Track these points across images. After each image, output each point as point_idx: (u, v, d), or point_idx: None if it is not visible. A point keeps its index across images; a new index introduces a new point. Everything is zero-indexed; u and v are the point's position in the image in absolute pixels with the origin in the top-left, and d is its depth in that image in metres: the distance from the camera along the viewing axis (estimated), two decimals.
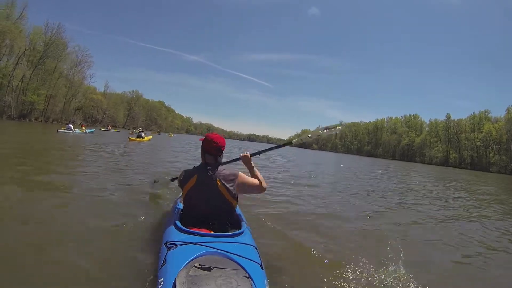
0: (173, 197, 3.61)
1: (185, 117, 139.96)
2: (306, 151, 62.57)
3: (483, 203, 7.35)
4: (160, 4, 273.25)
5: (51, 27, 39.84)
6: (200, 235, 1.83)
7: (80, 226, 2.65)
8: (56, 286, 1.75)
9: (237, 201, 2.23)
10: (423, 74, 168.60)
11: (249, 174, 2.38)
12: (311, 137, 2.97)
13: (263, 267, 1.68)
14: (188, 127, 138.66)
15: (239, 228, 2.12)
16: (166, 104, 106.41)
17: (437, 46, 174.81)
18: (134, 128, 42.26)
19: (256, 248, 1.86)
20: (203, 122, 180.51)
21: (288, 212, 4.06)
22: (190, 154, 13.51)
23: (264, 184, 2.30)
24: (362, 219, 4.31)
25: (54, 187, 3.98)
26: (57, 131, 18.74)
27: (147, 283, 1.78)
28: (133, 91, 78.74)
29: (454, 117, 72.02)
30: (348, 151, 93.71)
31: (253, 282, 1.45)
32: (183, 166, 6.68)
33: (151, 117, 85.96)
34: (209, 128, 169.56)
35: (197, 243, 1.70)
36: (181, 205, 2.45)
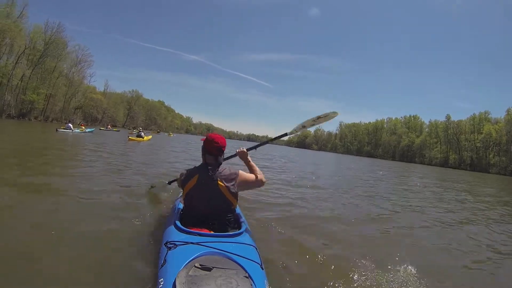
0: (173, 198, 3.60)
1: (184, 117, 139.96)
2: (306, 152, 62.59)
3: (487, 205, 7.26)
4: (160, 4, 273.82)
5: (51, 26, 39.82)
6: (200, 235, 1.83)
7: (80, 226, 2.64)
8: (56, 286, 1.75)
9: (237, 200, 2.23)
10: (423, 75, 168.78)
11: (247, 170, 2.41)
12: (304, 127, 3.06)
13: (263, 267, 1.68)
14: (187, 127, 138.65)
15: (239, 228, 2.12)
16: (166, 104, 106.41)
17: (437, 46, 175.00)
18: (134, 128, 42.30)
19: (256, 248, 1.86)
20: (203, 122, 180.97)
21: (289, 214, 4.02)
22: (190, 154, 13.50)
23: (263, 179, 2.35)
24: (366, 221, 4.23)
25: (54, 187, 3.96)
26: (57, 130, 18.73)
27: (147, 283, 1.77)
28: (133, 90, 78.74)
29: (454, 118, 72.27)
30: (347, 151, 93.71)
31: (253, 282, 1.45)
32: (183, 166, 6.67)
33: (151, 117, 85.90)
34: (209, 128, 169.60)
35: (197, 243, 1.70)
36: (181, 205, 2.45)
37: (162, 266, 1.57)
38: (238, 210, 2.43)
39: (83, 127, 23.13)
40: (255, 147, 3.09)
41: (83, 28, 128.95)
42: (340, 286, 2.07)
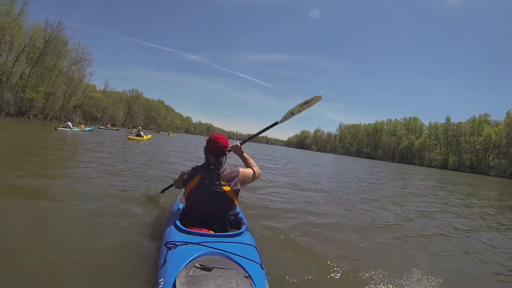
0: (173, 198, 3.59)
1: (184, 116, 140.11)
2: (306, 152, 62.64)
3: (495, 210, 7.14)
4: (160, 4, 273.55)
5: (51, 24, 39.90)
6: (200, 235, 1.83)
7: (79, 226, 2.63)
8: (56, 286, 1.74)
9: (238, 198, 2.25)
10: (423, 76, 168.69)
11: (243, 164, 2.52)
12: (293, 113, 3.19)
13: (263, 267, 1.68)
14: (187, 127, 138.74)
15: (239, 228, 2.12)
16: (166, 103, 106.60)
17: (437, 47, 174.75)
18: (134, 127, 42.35)
19: (256, 248, 1.86)
20: (203, 121, 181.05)
21: (293, 217, 3.93)
22: (190, 154, 13.49)
23: (258, 170, 2.50)
24: (369, 224, 4.12)
25: (52, 188, 3.95)
26: (56, 128, 18.73)
27: (147, 283, 1.77)
28: (132, 89, 78.90)
29: (454, 118, 72.48)
30: (347, 152, 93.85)
31: (253, 282, 1.45)
32: (182, 167, 6.62)
33: (151, 116, 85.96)
34: (209, 128, 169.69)
35: (197, 243, 1.70)
36: (181, 205, 2.46)
37: (162, 266, 1.57)
38: (238, 210, 2.43)
39: (83, 126, 23.11)
40: (248, 139, 3.54)
41: (83, 27, 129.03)
42: (342, 286, 2.06)
